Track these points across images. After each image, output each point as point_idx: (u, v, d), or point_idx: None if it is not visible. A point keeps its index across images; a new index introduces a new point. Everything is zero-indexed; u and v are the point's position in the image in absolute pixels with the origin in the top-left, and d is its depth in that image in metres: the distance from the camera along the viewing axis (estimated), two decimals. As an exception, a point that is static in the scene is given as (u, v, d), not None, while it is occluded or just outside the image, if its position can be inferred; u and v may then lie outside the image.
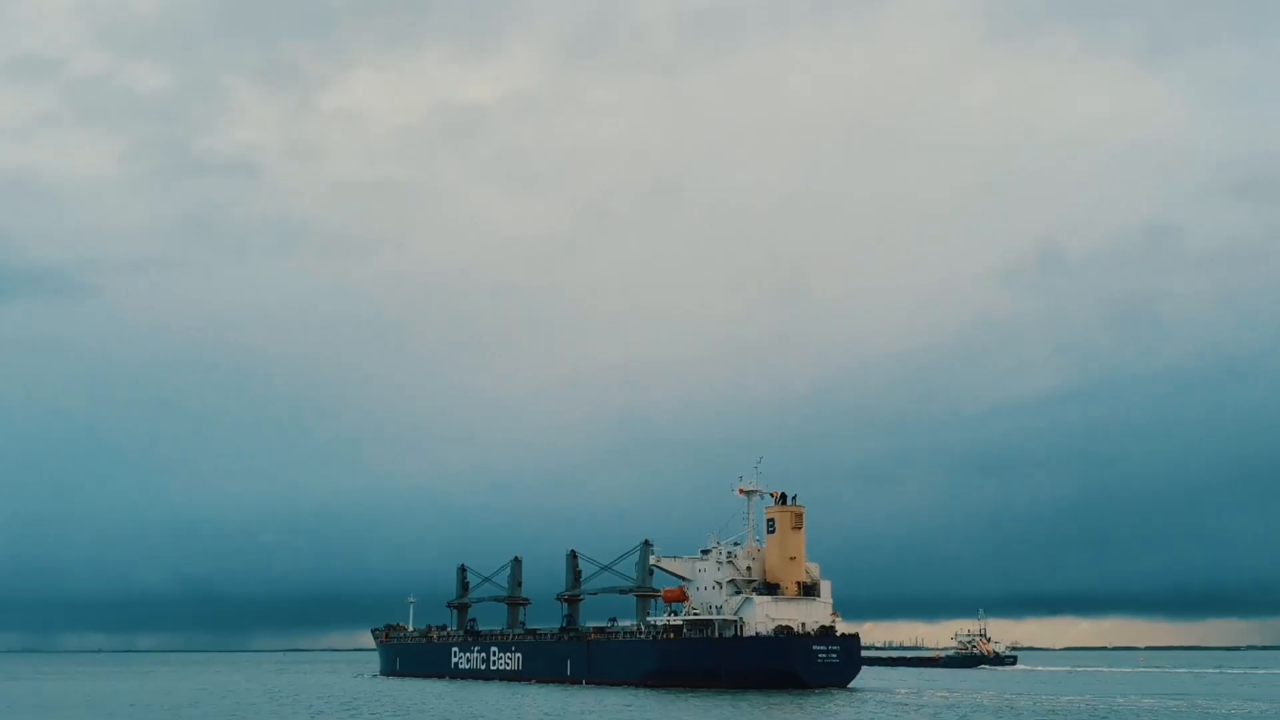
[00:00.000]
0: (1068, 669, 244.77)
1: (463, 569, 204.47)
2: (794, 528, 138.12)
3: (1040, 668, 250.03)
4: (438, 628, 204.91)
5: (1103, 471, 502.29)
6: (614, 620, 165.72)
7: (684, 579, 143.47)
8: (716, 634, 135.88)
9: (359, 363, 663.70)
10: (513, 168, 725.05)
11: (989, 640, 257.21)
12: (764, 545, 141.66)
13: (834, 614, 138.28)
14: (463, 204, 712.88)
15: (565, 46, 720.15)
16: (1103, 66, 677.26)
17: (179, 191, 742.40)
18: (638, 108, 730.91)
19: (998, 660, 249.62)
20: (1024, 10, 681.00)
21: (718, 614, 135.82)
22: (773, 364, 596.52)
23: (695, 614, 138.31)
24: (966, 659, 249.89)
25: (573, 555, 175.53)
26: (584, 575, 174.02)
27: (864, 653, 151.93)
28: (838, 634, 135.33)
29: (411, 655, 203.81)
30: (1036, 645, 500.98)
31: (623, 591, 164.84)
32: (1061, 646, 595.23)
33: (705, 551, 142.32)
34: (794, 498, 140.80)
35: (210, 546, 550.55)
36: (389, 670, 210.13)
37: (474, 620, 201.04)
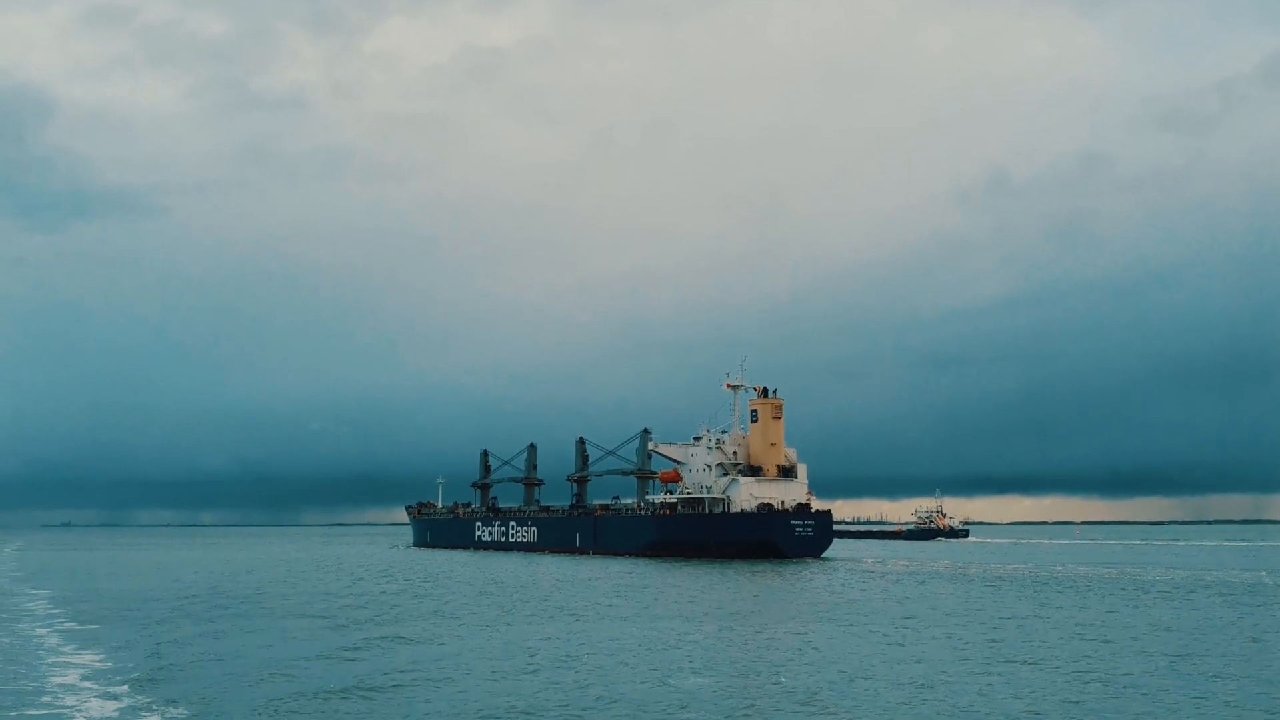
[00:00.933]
0: (1013, 541, 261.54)
1: (485, 454, 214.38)
2: (774, 418, 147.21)
3: (989, 540, 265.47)
4: (463, 505, 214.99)
5: (1044, 368, 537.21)
6: (617, 499, 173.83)
7: (678, 463, 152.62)
8: (706, 511, 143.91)
9: (395, 273, 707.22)
10: (530, 103, 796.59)
11: (945, 516, 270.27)
12: (748, 433, 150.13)
13: (809, 493, 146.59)
14: (486, 135, 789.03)
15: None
16: (1045, 15, 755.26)
17: (237, 124, 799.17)
18: (639, 51, 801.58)
19: (952, 534, 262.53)
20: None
21: (707, 493, 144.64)
22: (755, 275, 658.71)
23: (688, 493, 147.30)
24: (925, 532, 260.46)
25: (581, 442, 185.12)
26: (591, 459, 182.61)
27: (835, 527, 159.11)
28: (812, 510, 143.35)
29: (440, 529, 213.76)
30: (986, 520, 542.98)
31: (625, 474, 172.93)
32: (1008, 521, 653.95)
33: (697, 439, 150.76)
34: (774, 391, 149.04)
35: (265, 434, 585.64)
36: (420, 542, 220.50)
37: (495, 498, 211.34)
